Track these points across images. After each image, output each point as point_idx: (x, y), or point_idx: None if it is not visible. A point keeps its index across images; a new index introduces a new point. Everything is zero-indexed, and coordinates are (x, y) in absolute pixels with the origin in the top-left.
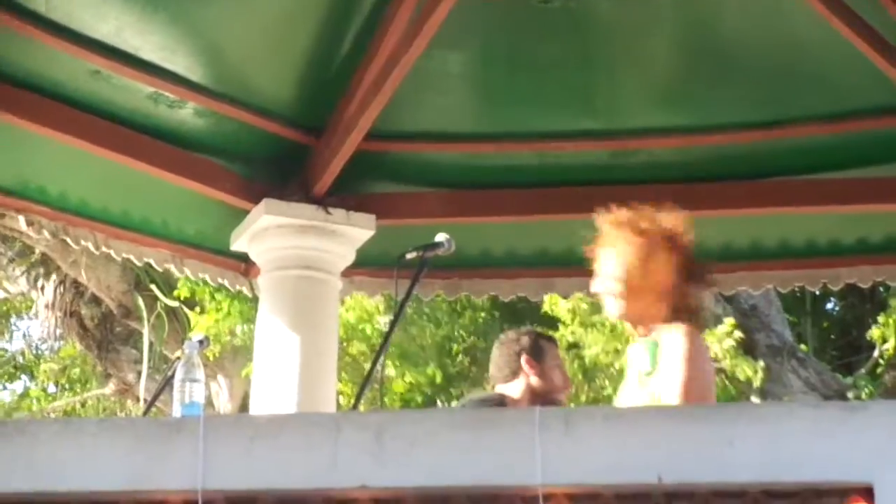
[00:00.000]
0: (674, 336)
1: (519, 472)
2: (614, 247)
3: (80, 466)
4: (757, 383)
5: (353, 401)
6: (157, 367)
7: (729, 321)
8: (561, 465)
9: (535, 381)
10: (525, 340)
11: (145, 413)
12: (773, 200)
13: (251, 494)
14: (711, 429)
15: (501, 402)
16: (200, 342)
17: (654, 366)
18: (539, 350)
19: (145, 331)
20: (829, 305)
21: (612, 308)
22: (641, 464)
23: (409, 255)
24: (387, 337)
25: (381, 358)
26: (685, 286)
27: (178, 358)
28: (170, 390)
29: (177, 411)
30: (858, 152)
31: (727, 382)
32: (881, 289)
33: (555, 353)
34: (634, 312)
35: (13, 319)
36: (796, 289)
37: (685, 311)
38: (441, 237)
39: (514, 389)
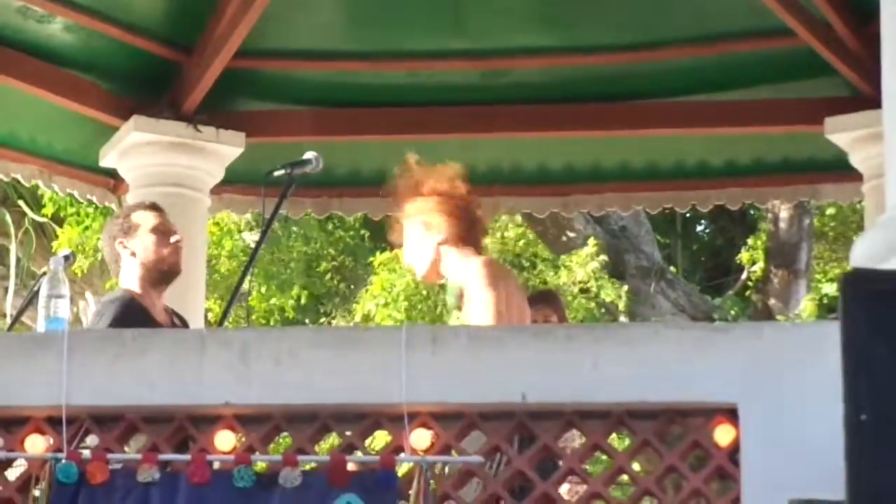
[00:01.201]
0: (470, 272)
1: (384, 390)
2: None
3: None
4: (622, 306)
5: (219, 318)
6: (24, 282)
7: (592, 242)
8: (426, 384)
9: (138, 260)
10: (115, 224)
11: (10, 328)
12: (642, 122)
13: (116, 411)
14: (577, 349)
15: (123, 298)
16: (66, 257)
17: (457, 303)
18: (129, 227)
19: (13, 246)
20: (700, 227)
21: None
22: (506, 383)
23: (276, 173)
24: (253, 254)
25: (248, 276)
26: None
27: (44, 273)
28: (36, 306)
29: (41, 327)
30: (727, 75)
31: (593, 305)
32: (751, 211)
33: (149, 218)
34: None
35: None
36: (666, 210)
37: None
38: (309, 155)
39: (127, 278)
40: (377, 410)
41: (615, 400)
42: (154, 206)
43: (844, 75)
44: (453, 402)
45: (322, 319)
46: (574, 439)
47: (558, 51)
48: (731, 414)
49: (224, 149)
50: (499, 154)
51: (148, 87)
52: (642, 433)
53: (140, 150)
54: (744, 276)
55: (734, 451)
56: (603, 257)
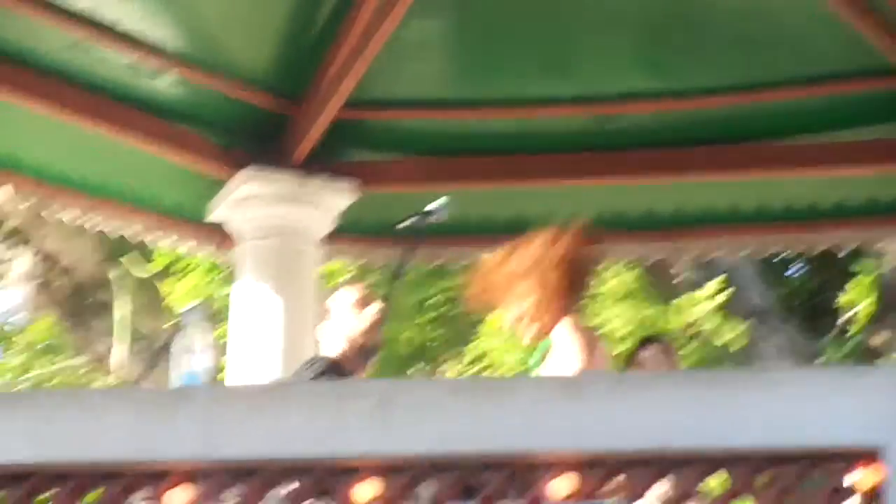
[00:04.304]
0: (562, 331)
1: (526, 438)
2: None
3: (83, 436)
4: (738, 345)
5: None
6: (130, 338)
7: (710, 285)
8: (566, 431)
9: (349, 331)
10: (346, 293)
11: (138, 383)
12: (751, 165)
13: (254, 464)
14: (718, 394)
15: (329, 364)
16: (195, 309)
17: (538, 361)
18: (340, 297)
19: (118, 302)
20: (791, 271)
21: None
22: (649, 429)
23: (406, 222)
24: (384, 303)
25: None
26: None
27: (173, 328)
28: (154, 362)
29: (176, 381)
30: (836, 116)
31: (702, 347)
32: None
33: (351, 293)
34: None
35: None
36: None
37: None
38: (436, 204)
39: (336, 345)
40: (517, 460)
41: (756, 444)
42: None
43: None
44: (594, 449)
45: (429, 367)
46: None
47: (667, 95)
48: (874, 457)
49: (334, 198)
50: (607, 199)
51: (257, 140)
52: (784, 477)
53: (251, 202)
54: (842, 318)
55: (877, 495)
56: (722, 296)
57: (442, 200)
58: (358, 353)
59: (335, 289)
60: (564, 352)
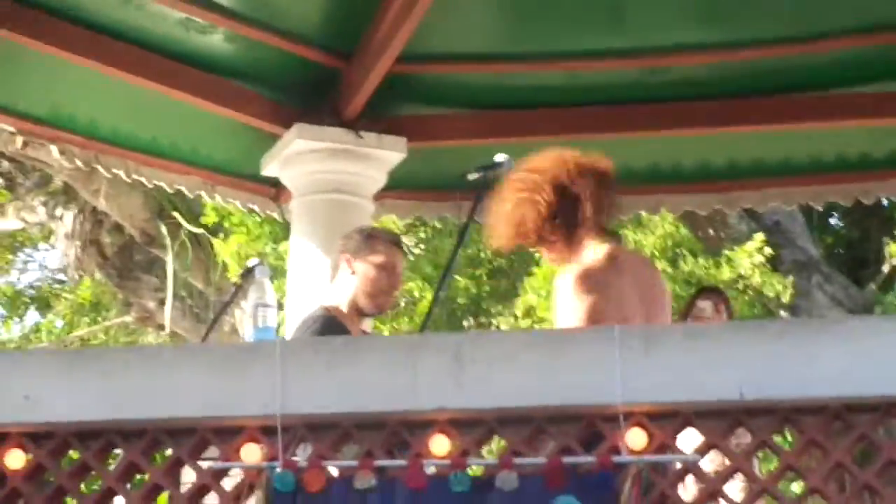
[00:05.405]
0: (564, 278)
1: (599, 391)
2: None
3: (156, 394)
4: (786, 298)
5: (421, 325)
6: (178, 294)
7: (758, 237)
8: (641, 384)
9: (350, 284)
10: (353, 238)
11: (204, 338)
12: (804, 115)
13: (330, 418)
14: (793, 345)
15: (324, 318)
16: (262, 265)
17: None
18: (360, 247)
19: (169, 258)
20: (833, 220)
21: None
22: (722, 381)
23: (471, 176)
24: (452, 258)
25: (446, 280)
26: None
27: (237, 284)
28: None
29: (250, 336)
30: (889, 66)
31: (754, 299)
32: (885, 203)
33: (385, 251)
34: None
35: (27, 251)
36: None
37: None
38: (501, 157)
39: (336, 296)
40: (592, 411)
41: (831, 394)
42: (398, 243)
43: None
44: (668, 401)
45: (483, 320)
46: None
47: (718, 46)
48: None
49: (386, 154)
50: (659, 152)
51: (309, 95)
52: (859, 427)
53: (303, 157)
54: (886, 268)
55: None
56: (768, 250)
57: (504, 155)
58: (357, 312)
59: None
60: (561, 303)
